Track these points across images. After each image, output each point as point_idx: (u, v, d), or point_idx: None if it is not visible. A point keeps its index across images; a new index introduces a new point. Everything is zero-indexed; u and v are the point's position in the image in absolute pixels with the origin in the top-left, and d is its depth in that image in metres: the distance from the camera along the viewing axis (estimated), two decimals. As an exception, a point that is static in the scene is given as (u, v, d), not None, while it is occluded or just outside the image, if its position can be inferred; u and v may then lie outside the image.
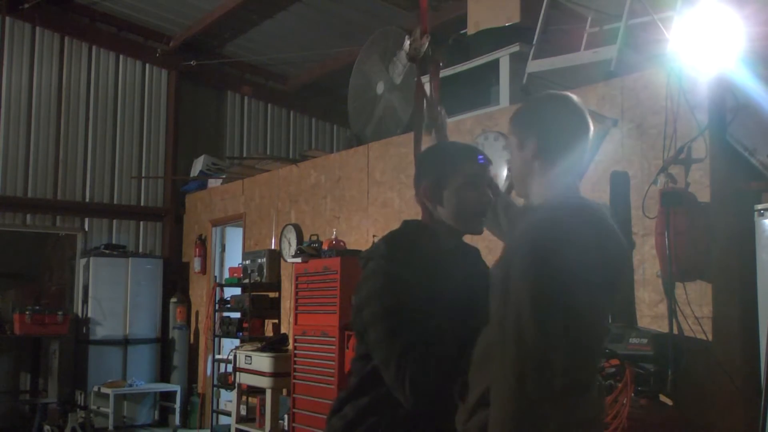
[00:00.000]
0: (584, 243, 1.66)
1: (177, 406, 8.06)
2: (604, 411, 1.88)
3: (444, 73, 5.09)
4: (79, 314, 8.19)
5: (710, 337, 3.64)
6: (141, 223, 8.94)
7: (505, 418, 1.58)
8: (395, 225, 2.11)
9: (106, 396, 7.64)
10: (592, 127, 1.82)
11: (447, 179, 1.96)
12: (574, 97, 1.85)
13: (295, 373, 5.81)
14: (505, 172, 4.67)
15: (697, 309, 3.65)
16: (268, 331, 7.15)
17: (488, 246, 4.94)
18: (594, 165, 4.16)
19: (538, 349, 1.60)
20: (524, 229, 1.75)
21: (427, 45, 2.54)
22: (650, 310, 3.88)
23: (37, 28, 8.35)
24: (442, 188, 1.96)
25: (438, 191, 1.97)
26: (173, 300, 8.47)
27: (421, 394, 1.76)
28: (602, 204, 1.89)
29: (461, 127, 5.20)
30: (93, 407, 7.69)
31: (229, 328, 7.33)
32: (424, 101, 2.45)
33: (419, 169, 2.05)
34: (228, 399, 7.48)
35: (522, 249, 1.66)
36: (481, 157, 2.03)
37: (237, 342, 7.12)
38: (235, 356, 6.68)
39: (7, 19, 8.13)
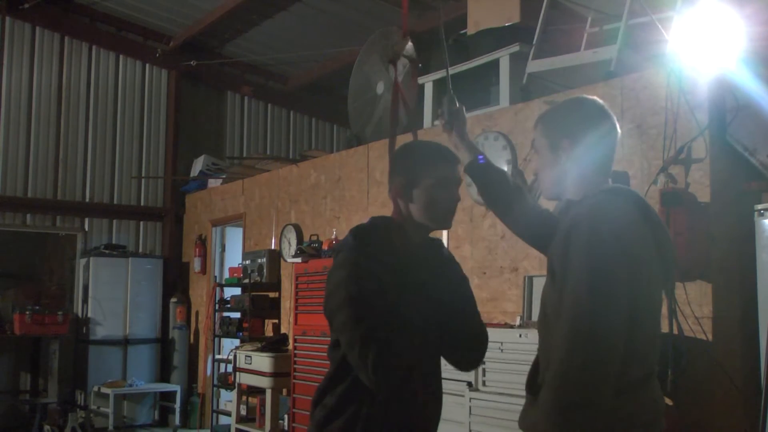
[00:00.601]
0: (636, 220, 1.80)
1: (177, 406, 8.05)
2: (662, 418, 1.85)
3: (443, 72, 5.09)
4: (79, 314, 8.19)
5: (710, 337, 3.64)
6: (141, 223, 8.94)
7: (561, 385, 1.68)
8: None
9: (106, 396, 7.64)
10: (619, 129, 1.95)
11: (418, 179, 2.03)
12: (600, 100, 1.97)
13: (295, 373, 5.81)
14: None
15: (697, 309, 3.65)
16: (268, 331, 7.14)
17: (488, 246, 4.95)
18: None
19: (596, 326, 1.67)
20: (577, 216, 1.82)
21: (406, 47, 2.60)
22: (650, 310, 3.87)
23: (37, 28, 8.35)
24: (412, 187, 2.03)
25: (409, 190, 2.04)
26: (173, 300, 8.48)
27: (384, 375, 1.82)
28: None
29: (461, 127, 5.19)
30: (93, 407, 7.69)
31: (229, 328, 7.33)
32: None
33: (393, 167, 2.13)
34: (228, 399, 7.48)
35: (582, 231, 1.75)
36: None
37: (237, 342, 7.12)
38: (235, 356, 6.68)
39: (7, 19, 8.13)
